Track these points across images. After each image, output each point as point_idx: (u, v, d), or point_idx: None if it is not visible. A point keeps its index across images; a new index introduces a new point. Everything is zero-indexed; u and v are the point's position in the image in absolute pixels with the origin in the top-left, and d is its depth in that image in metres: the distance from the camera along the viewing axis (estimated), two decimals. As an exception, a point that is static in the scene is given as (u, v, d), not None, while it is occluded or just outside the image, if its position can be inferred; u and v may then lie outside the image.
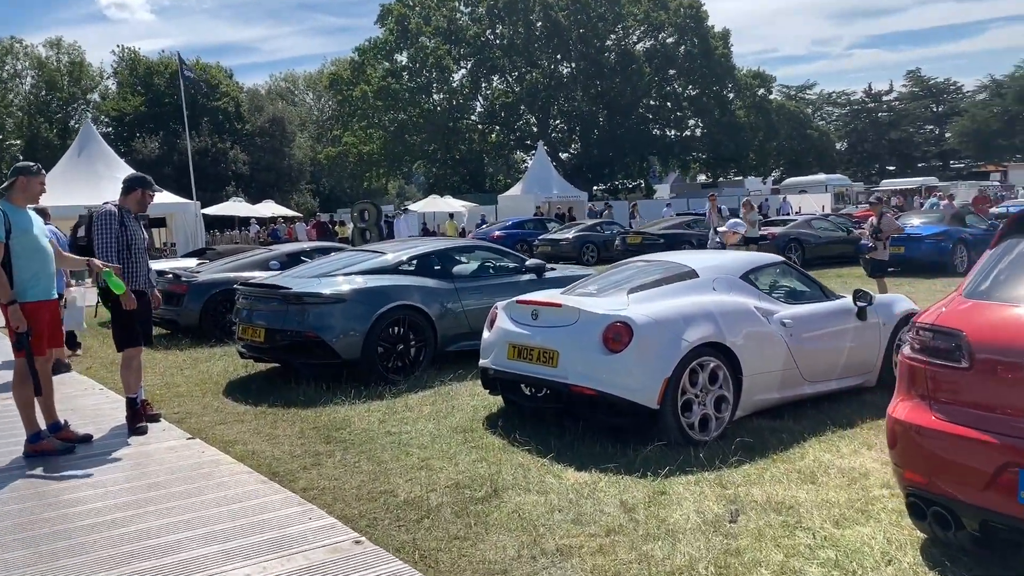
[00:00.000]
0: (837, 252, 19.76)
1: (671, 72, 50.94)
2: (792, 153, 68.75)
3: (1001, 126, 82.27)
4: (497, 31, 50.53)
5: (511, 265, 9.23)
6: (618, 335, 5.39)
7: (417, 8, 49.54)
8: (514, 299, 6.32)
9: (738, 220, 12.47)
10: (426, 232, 34.31)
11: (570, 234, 24.44)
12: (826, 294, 6.78)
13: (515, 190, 37.91)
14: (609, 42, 50.74)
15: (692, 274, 6.17)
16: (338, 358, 7.47)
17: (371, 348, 7.55)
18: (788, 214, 41.11)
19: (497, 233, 26.10)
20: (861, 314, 6.51)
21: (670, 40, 50.87)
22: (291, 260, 10.98)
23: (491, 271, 9.12)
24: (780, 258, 6.93)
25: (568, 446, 5.55)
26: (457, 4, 50.58)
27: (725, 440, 5.53)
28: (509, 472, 5.06)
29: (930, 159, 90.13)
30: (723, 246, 11.44)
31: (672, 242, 20.75)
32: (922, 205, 32.58)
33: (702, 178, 60.79)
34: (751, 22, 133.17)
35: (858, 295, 6.52)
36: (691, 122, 52.50)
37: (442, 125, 48.50)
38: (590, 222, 26.90)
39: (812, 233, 19.63)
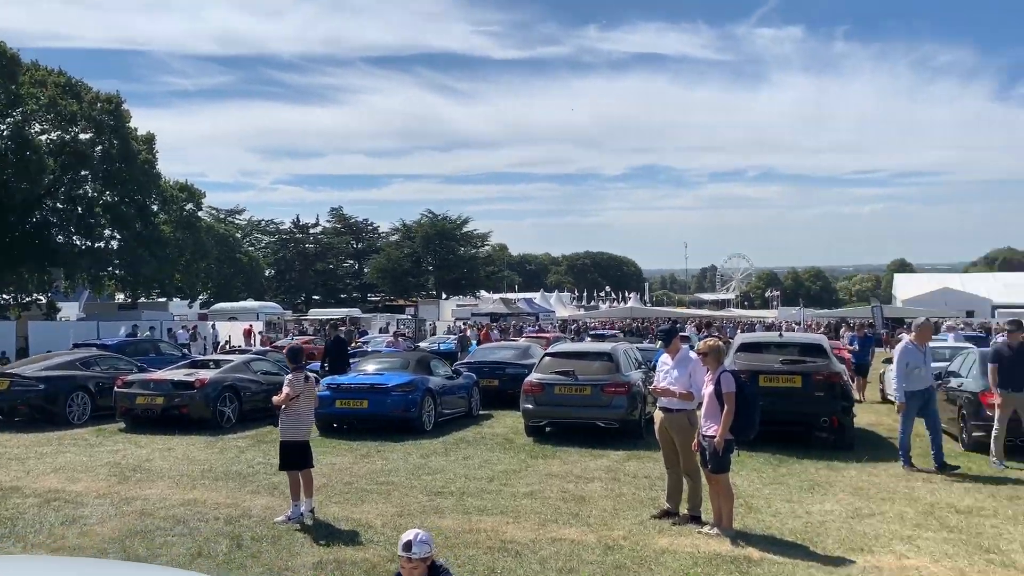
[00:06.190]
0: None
1: (84, 172, 43.17)
2: (221, 277, 64.89)
3: (411, 265, 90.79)
4: None
5: None
6: None
7: None
8: None
9: None
10: None
11: None
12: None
13: None
14: (3, 126, 41.12)
15: None
16: None
17: None
18: (230, 345, 36.64)
19: None
20: None
21: (84, 136, 43.33)
22: None
23: None
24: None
25: None
26: None
27: None
28: None
29: (351, 291, 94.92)
30: None
31: (57, 391, 14.56)
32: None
33: (121, 297, 52.65)
34: (178, 144, 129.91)
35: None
36: (106, 232, 44.89)
37: None
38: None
39: (251, 379, 15.35)
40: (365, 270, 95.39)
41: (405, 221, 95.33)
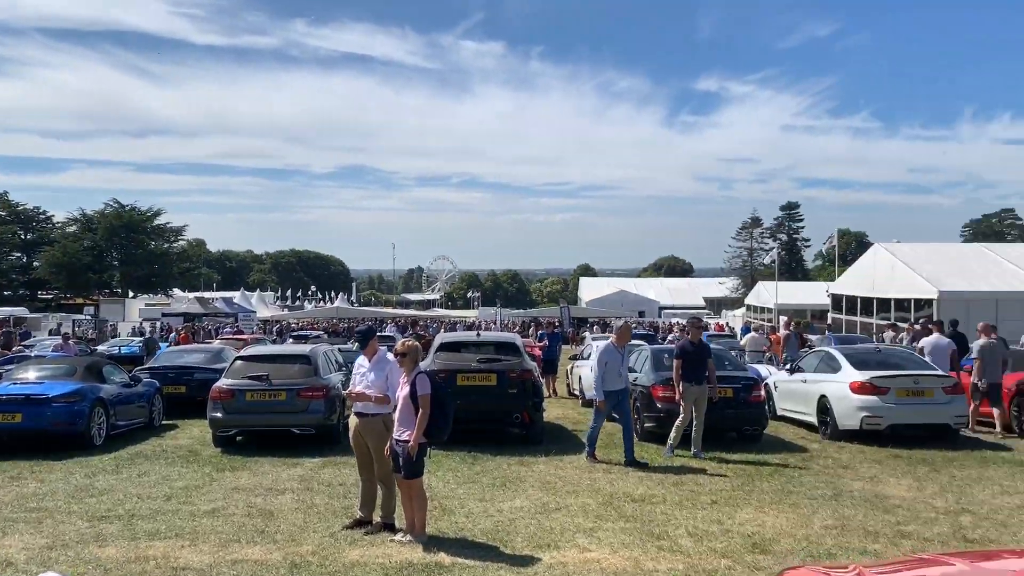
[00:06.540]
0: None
1: None
2: None
3: (92, 260, 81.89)
4: None
5: None
6: None
7: None
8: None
9: None
10: None
11: None
12: None
13: None
14: None
15: None
16: None
17: None
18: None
19: None
20: None
21: None
22: None
23: None
24: None
25: None
26: None
27: None
28: None
29: (17, 288, 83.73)
30: None
31: None
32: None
33: None
34: None
35: None
36: None
37: None
38: None
39: None
40: (36, 264, 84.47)
41: (85, 211, 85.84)
